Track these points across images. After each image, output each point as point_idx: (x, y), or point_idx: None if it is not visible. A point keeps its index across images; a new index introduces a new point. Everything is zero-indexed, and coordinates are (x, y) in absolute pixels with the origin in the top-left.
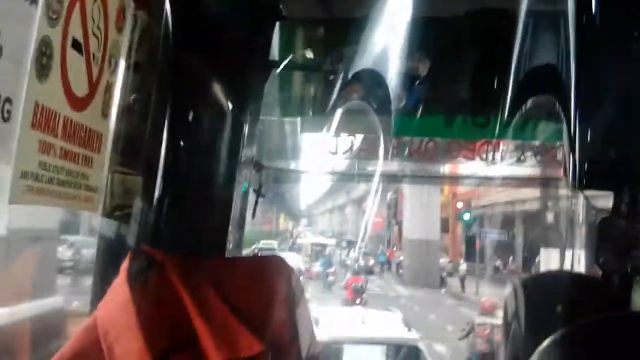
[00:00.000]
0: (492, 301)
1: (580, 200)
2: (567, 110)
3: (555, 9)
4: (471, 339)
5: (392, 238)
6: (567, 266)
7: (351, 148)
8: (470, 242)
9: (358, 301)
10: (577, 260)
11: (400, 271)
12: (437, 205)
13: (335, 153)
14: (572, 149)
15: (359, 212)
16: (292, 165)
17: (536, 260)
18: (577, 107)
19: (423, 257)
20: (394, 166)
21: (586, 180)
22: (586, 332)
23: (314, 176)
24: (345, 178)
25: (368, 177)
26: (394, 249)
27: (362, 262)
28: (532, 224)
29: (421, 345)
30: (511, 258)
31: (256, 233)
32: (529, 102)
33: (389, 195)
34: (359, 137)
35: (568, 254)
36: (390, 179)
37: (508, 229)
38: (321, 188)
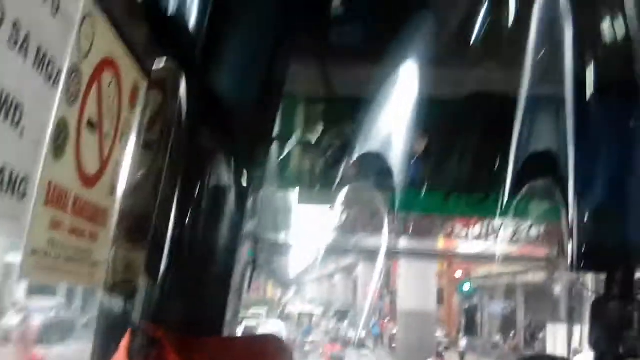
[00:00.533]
0: None
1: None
2: (565, 194)
3: (553, 94)
4: None
5: (385, 309)
6: (575, 343)
7: (346, 222)
8: (469, 315)
9: None
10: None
11: (393, 345)
12: (434, 276)
13: (330, 227)
14: (570, 232)
15: (349, 281)
16: (285, 236)
17: (540, 336)
18: (574, 191)
19: (418, 330)
20: (389, 240)
21: (582, 262)
22: None
23: (308, 249)
24: (339, 252)
25: (362, 251)
26: (386, 320)
27: (353, 334)
28: (535, 297)
29: None
30: (512, 333)
31: (244, 300)
32: (527, 184)
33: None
34: (354, 211)
35: (576, 330)
36: (387, 254)
37: (509, 302)
38: (311, 257)
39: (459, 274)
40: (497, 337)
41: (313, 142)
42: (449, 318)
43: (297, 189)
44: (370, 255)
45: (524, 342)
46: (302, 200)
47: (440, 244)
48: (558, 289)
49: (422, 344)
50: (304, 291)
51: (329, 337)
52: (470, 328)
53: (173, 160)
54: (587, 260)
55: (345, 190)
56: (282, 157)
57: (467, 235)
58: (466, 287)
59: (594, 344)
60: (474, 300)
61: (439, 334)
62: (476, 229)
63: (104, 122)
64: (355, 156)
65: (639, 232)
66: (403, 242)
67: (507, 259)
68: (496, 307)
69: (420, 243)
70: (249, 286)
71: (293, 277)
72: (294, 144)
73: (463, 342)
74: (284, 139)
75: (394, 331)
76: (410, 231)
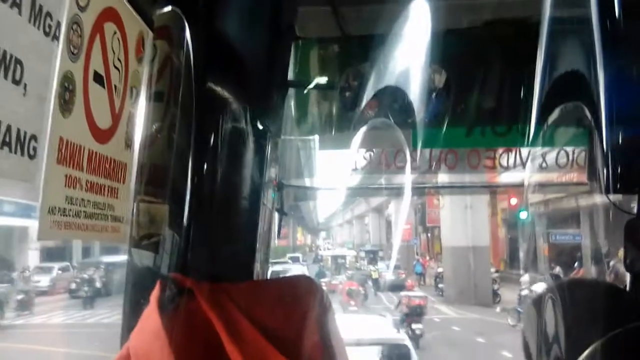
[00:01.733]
0: (412, 282)
1: None
2: (595, 117)
3: (578, 15)
4: (400, 307)
5: (421, 247)
6: None
7: (370, 162)
8: (529, 247)
9: (353, 303)
10: None
11: (440, 285)
12: (485, 206)
13: (355, 169)
14: (604, 155)
15: (381, 221)
16: (310, 182)
17: (611, 264)
18: (606, 113)
19: (469, 268)
20: (416, 177)
21: (616, 184)
22: (626, 342)
23: (333, 192)
24: (366, 192)
25: (389, 189)
26: (428, 258)
27: (392, 277)
28: (604, 221)
29: (409, 344)
30: (576, 264)
31: (273, 249)
32: (556, 110)
33: (415, 200)
34: (377, 151)
35: None
36: (415, 191)
37: (573, 228)
38: (339, 200)
39: (513, 201)
40: (557, 270)
41: (330, 85)
42: (495, 253)
43: (317, 134)
44: (401, 192)
45: (596, 273)
46: (323, 146)
47: (480, 176)
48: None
49: (475, 284)
50: (334, 235)
51: (370, 282)
52: (530, 262)
53: (185, 110)
54: (620, 182)
55: (366, 131)
56: (300, 102)
57: (492, 168)
58: (523, 215)
59: (629, 265)
60: (532, 230)
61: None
62: (501, 162)
63: (112, 76)
64: (373, 95)
65: None
66: (442, 177)
67: (548, 186)
68: (568, 236)
69: (458, 177)
70: (279, 233)
71: (323, 221)
72: (311, 88)
73: (525, 279)
74: (299, 83)
75: (439, 269)
76: (436, 167)
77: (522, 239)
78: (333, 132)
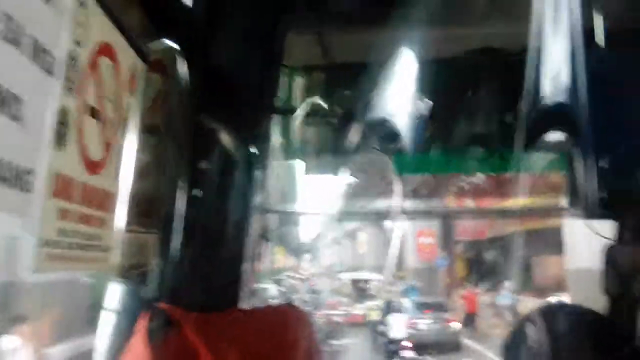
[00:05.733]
0: (332, 301)
1: None
2: (580, 144)
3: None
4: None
5: (452, 272)
6: None
7: (353, 187)
8: None
9: None
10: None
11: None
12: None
13: (339, 195)
14: (586, 181)
15: (380, 236)
16: (295, 207)
17: None
18: (590, 141)
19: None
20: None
21: (596, 210)
22: None
23: (319, 217)
24: (349, 217)
25: (376, 215)
26: (476, 288)
27: (432, 327)
28: None
29: None
30: None
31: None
32: (540, 137)
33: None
34: (362, 177)
35: None
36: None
37: None
38: (325, 222)
39: None
40: None
41: (315, 111)
42: None
43: (304, 159)
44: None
45: None
46: (309, 170)
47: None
48: None
49: None
50: (320, 256)
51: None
52: None
53: (178, 140)
54: (601, 209)
55: (352, 157)
56: (285, 128)
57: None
58: None
59: (608, 289)
60: None
61: None
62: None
63: (105, 108)
64: (359, 123)
65: None
66: (412, 204)
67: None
68: None
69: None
70: (259, 258)
71: (308, 241)
72: (296, 114)
73: None
74: (285, 110)
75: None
76: (419, 193)
77: None
78: (318, 158)
